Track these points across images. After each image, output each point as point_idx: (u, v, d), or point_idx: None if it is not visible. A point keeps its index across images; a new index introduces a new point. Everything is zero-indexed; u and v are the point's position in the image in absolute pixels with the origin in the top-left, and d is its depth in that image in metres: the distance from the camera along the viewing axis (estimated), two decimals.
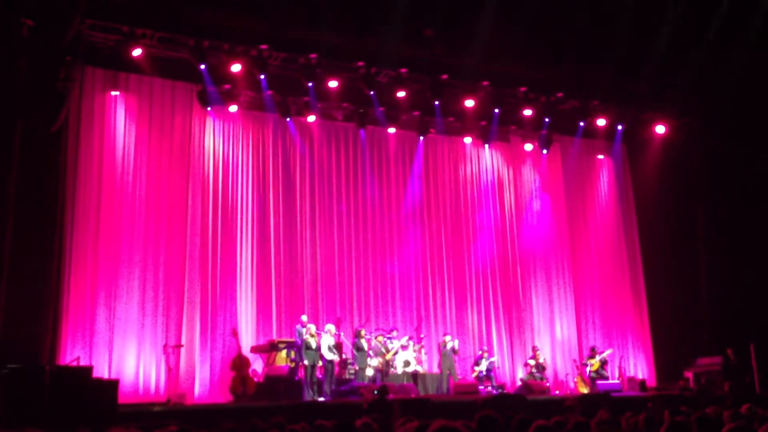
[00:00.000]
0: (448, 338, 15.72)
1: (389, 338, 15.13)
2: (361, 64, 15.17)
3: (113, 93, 14.10)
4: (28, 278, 11.61)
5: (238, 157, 15.39)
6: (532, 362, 16.35)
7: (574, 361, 17.18)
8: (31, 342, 11.55)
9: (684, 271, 17.82)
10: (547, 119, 17.33)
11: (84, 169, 13.52)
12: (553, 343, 17.57)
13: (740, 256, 16.70)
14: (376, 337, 15.03)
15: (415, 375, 14.80)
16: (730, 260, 16.91)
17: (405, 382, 14.34)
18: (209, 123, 15.11)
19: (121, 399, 10.72)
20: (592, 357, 16.63)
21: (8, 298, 10.78)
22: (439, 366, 15.64)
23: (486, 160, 18.11)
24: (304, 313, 14.65)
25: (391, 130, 16.90)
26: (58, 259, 12.64)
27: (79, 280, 13.12)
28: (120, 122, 14.17)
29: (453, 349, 15.50)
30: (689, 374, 15.86)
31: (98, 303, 13.29)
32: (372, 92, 15.55)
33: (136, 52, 13.59)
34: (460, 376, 15.66)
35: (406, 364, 14.89)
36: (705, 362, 15.86)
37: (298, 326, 14.06)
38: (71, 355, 12.50)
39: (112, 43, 13.58)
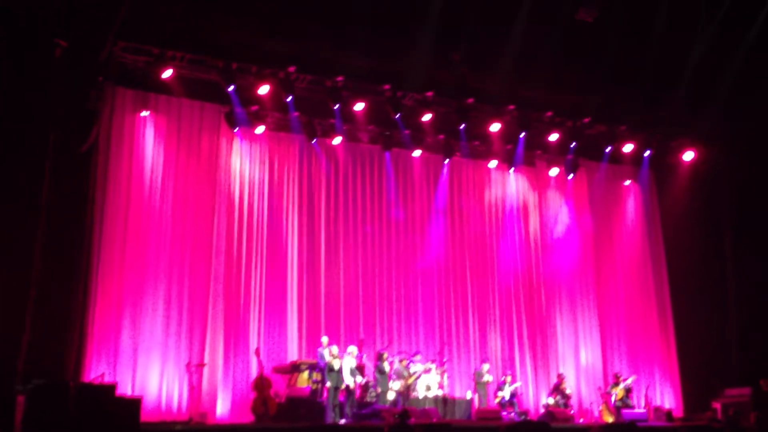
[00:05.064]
0: (486, 367, 15.63)
1: (412, 361, 15.02)
2: (387, 86, 15.25)
3: (143, 113, 14.30)
4: (56, 295, 11.76)
5: (264, 177, 15.49)
6: (566, 391, 16.06)
7: (599, 388, 16.93)
8: (57, 358, 11.68)
9: (712, 299, 17.55)
10: (573, 144, 17.25)
11: (113, 188, 13.68)
12: (578, 369, 17.33)
13: None
14: (399, 361, 14.94)
15: (444, 400, 14.65)
16: (758, 288, 16.62)
17: (427, 407, 14.20)
18: (236, 144, 15.25)
19: (144, 417, 10.73)
20: (616, 384, 16.35)
21: (36, 314, 10.90)
22: (475, 390, 15.52)
23: (511, 184, 18.04)
24: (325, 335, 14.61)
25: (416, 152, 16.92)
26: (85, 277, 12.79)
27: (105, 297, 13.22)
28: (149, 142, 14.35)
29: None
30: (717, 405, 15.55)
31: (123, 321, 13.37)
32: (398, 115, 15.60)
33: (167, 73, 13.80)
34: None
35: (428, 388, 14.77)
36: (734, 393, 15.54)
37: (320, 348, 14.02)
38: (96, 371, 12.57)
39: (143, 64, 13.81)
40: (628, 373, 16.98)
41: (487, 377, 15.57)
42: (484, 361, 15.91)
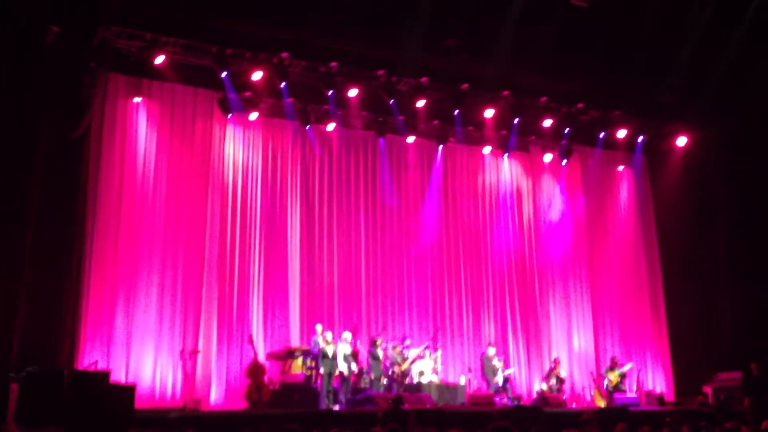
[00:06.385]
0: (492, 350, 15.72)
1: (405, 347, 15.08)
2: (381, 72, 15.18)
3: (136, 99, 14.24)
4: (49, 282, 11.71)
5: (257, 164, 15.46)
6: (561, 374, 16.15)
7: (591, 373, 17.03)
8: (50, 345, 11.66)
9: (704, 284, 17.61)
10: (567, 129, 17.26)
11: (105, 175, 13.64)
12: (570, 355, 17.42)
13: (762, 270, 16.48)
14: (393, 347, 14.99)
15: (438, 385, 14.69)
16: (751, 274, 16.70)
17: (421, 392, 14.28)
18: (229, 130, 15.20)
19: (138, 404, 10.76)
20: (612, 368, 16.41)
21: (29, 301, 10.88)
22: (482, 374, 15.59)
23: (505, 169, 18.05)
24: (319, 322, 14.64)
25: (410, 138, 16.90)
26: (78, 264, 12.77)
27: (98, 284, 13.22)
28: (142, 128, 14.29)
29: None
30: (708, 389, 15.66)
31: (117, 308, 13.37)
32: (392, 101, 15.55)
33: (159, 59, 13.71)
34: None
35: (422, 373, 14.83)
36: (724, 377, 15.65)
37: (314, 336, 14.06)
38: (89, 359, 12.58)
39: (136, 49, 13.72)
40: (621, 359, 17.04)
41: (495, 361, 15.64)
42: (489, 344, 16.00)
